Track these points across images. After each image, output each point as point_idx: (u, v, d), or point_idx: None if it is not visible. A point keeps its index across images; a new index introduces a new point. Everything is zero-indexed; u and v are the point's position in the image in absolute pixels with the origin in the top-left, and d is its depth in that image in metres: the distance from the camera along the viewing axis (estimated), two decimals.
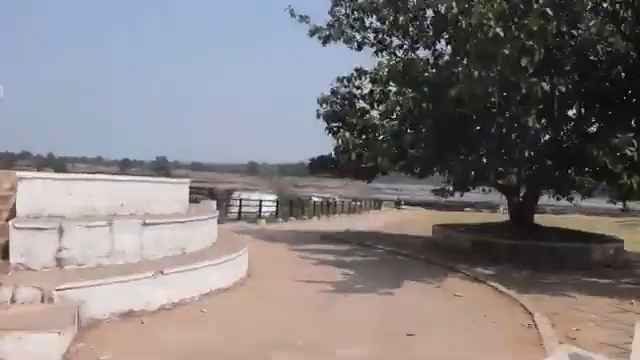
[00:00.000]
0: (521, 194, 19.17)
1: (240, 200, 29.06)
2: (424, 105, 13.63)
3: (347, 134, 16.34)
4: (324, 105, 18.48)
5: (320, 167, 19.78)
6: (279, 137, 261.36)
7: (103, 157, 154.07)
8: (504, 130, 12.63)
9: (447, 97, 12.08)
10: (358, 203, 55.22)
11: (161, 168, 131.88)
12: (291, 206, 34.92)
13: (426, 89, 14.15)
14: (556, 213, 79.21)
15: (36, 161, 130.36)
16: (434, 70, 15.04)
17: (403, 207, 73.81)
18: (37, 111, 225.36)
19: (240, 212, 27.45)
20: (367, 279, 12.55)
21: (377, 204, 64.89)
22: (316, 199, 65.39)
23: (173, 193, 11.61)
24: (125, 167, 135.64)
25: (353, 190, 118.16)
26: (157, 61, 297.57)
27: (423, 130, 13.98)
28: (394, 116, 15.87)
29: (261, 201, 30.52)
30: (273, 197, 76.15)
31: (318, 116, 18.41)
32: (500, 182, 17.51)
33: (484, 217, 47.31)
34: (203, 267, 9.47)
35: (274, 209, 33.42)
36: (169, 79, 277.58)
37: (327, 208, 41.98)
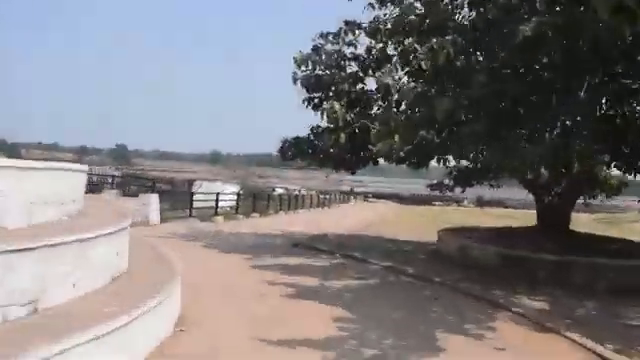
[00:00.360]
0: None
1: (191, 194, 23.26)
2: (470, 55, 8.58)
3: (336, 105, 11.13)
4: (302, 68, 13.20)
5: (294, 151, 14.41)
6: (246, 126, 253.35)
7: (60, 143, 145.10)
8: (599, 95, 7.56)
9: (513, 39, 7.00)
10: (327, 196, 49.83)
11: (120, 156, 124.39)
12: (254, 200, 29.38)
13: (462, 39, 9.02)
14: (515, 208, 75.63)
15: None
16: (472, 12, 9.96)
17: (371, 200, 68.92)
18: None
19: (191, 208, 21.79)
20: (380, 331, 7.40)
21: (345, 197, 59.55)
22: (280, 191, 60.07)
23: (42, 189, 6.17)
24: (82, 154, 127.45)
25: (316, 182, 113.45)
26: (120, 45, 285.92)
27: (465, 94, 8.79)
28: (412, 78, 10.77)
29: (218, 194, 24.96)
30: (235, 188, 70.57)
31: (295, 81, 13.03)
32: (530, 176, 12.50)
33: (467, 214, 42.81)
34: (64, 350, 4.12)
35: (234, 203, 27.95)
36: (130, 63, 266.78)
37: (294, 202, 36.51)
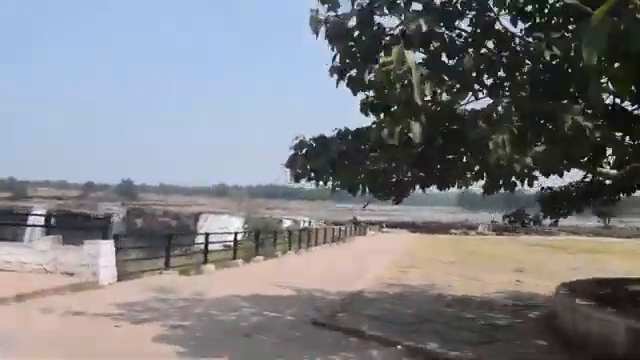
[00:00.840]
0: None
1: (169, 237, 16.21)
2: None
3: (408, 54, 4.95)
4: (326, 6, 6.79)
5: (313, 165, 7.91)
6: (249, 159, 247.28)
7: (67, 180, 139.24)
8: None
9: None
10: (341, 227, 42.88)
11: (127, 191, 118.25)
12: (257, 239, 22.63)
13: None
14: (540, 233, 68.07)
15: None
16: None
17: (385, 230, 62.03)
18: None
19: (168, 256, 15.09)
20: None
21: (361, 229, 52.29)
22: (288, 223, 53.23)
23: None
24: (89, 190, 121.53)
25: (324, 212, 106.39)
26: (126, 81, 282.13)
27: None
28: None
29: (208, 235, 18.20)
30: (240, 221, 63.82)
31: (315, 29, 6.64)
32: None
33: (509, 246, 35.97)
34: None
35: (232, 242, 21.28)
36: (138, 99, 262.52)
37: (306, 237, 29.71)
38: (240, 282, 13.93)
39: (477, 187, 8.24)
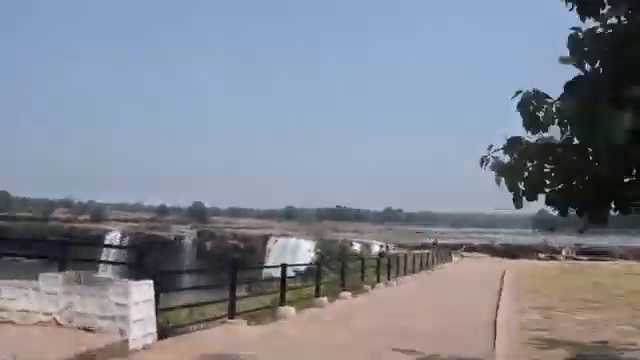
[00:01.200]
0: None
1: (233, 268, 11.61)
2: None
3: None
4: None
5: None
6: (315, 182, 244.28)
7: (142, 203, 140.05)
8: None
9: None
10: (426, 252, 37.22)
11: (198, 214, 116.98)
12: (343, 269, 17.81)
13: None
14: (594, 257, 58.69)
15: (77, 208, 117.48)
16: None
17: (465, 254, 55.80)
18: (79, 158, 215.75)
19: (233, 297, 10.67)
20: None
21: (447, 254, 45.92)
22: (356, 246, 48.47)
23: None
24: (162, 214, 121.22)
25: (391, 234, 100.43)
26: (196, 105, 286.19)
27: None
28: None
29: (285, 266, 13.59)
30: (310, 244, 59.24)
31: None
32: None
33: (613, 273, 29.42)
34: None
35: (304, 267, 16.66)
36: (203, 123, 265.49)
37: (394, 265, 24.53)
38: (339, 338, 9.38)
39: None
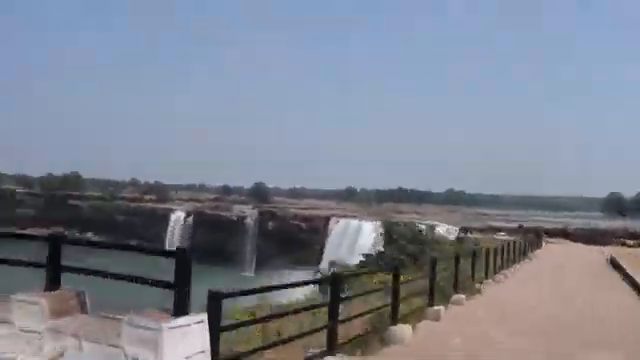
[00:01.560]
0: None
1: (335, 283, 7.78)
2: None
3: None
4: None
5: None
6: (375, 162, 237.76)
7: (205, 184, 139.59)
8: None
9: None
10: (509, 238, 32.08)
11: (259, 195, 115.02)
12: (457, 265, 13.51)
13: None
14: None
15: (143, 188, 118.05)
16: None
17: (549, 240, 49.88)
18: (144, 142, 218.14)
19: (334, 325, 6.89)
20: None
21: (536, 239, 40.22)
22: (441, 231, 43.48)
23: None
24: (224, 194, 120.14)
25: (456, 216, 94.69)
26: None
27: None
28: None
29: (397, 270, 9.55)
30: (371, 225, 54.49)
31: None
32: None
33: None
34: None
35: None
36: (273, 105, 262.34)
37: (493, 254, 19.93)
38: None
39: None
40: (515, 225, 65.82)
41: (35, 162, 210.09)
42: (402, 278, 8.99)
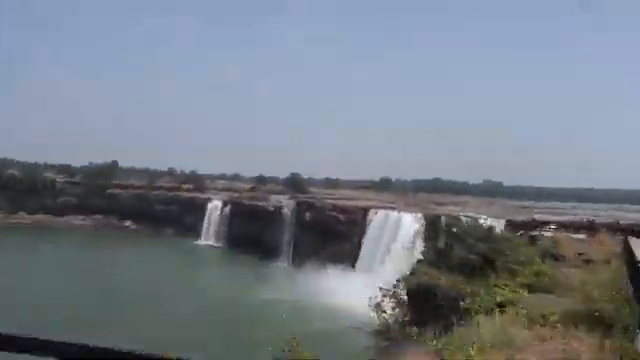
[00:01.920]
0: None
1: None
2: None
3: None
4: None
5: None
6: (410, 152, 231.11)
7: (240, 174, 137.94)
8: None
9: None
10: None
11: (294, 184, 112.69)
12: None
13: None
14: None
15: (180, 177, 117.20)
16: None
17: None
18: (182, 132, 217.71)
19: None
20: None
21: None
22: (486, 224, 39.88)
23: None
24: (260, 184, 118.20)
25: (495, 208, 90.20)
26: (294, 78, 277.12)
27: None
28: None
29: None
30: (411, 217, 50.51)
31: None
32: None
33: None
34: None
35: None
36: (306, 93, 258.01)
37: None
38: None
39: None
40: (563, 219, 59.22)
41: (80, 152, 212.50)
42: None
